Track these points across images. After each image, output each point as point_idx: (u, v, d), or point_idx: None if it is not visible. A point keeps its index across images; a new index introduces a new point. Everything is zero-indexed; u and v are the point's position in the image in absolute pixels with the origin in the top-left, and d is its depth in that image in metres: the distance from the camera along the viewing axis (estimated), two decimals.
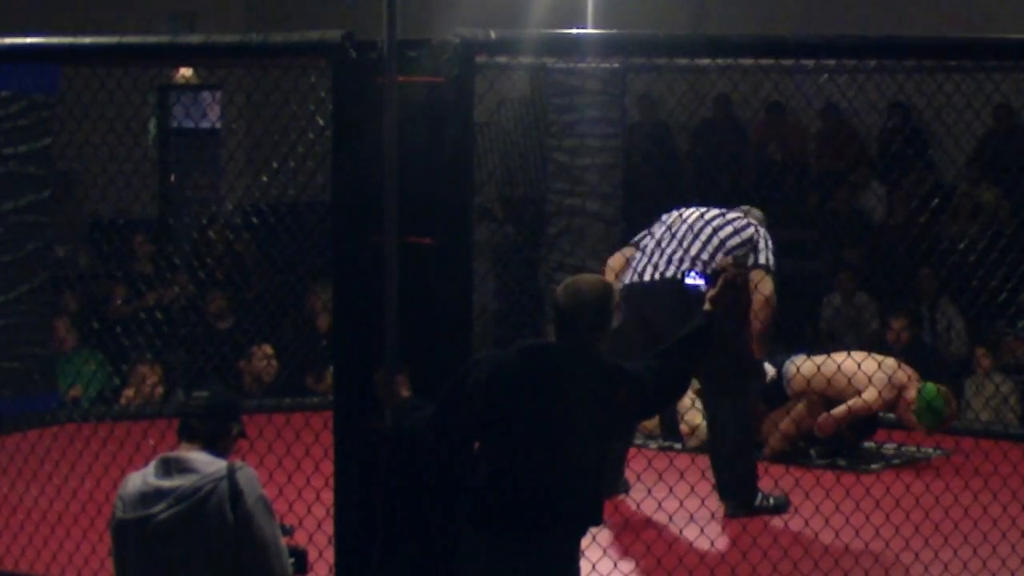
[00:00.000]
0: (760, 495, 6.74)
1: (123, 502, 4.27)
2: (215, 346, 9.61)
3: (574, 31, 6.70)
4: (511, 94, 10.83)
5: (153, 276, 10.82)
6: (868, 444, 8.00)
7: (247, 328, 9.87)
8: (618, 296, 6.53)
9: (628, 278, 6.80)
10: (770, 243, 6.80)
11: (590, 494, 4.39)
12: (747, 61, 6.60)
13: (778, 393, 7.84)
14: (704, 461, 6.77)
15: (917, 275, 10.33)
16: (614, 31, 5.52)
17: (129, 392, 9.40)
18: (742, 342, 6.69)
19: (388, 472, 4.66)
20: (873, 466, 7.66)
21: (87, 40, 5.22)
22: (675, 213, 6.90)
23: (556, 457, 4.29)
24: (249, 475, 4.24)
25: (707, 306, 4.65)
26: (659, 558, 5.85)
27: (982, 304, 9.31)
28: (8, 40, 5.30)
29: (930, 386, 7.72)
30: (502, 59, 6.31)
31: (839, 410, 7.69)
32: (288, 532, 4.46)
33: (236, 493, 4.18)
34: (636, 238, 7.04)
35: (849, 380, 7.46)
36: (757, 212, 7.08)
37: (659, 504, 6.25)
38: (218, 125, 13.62)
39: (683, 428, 7.99)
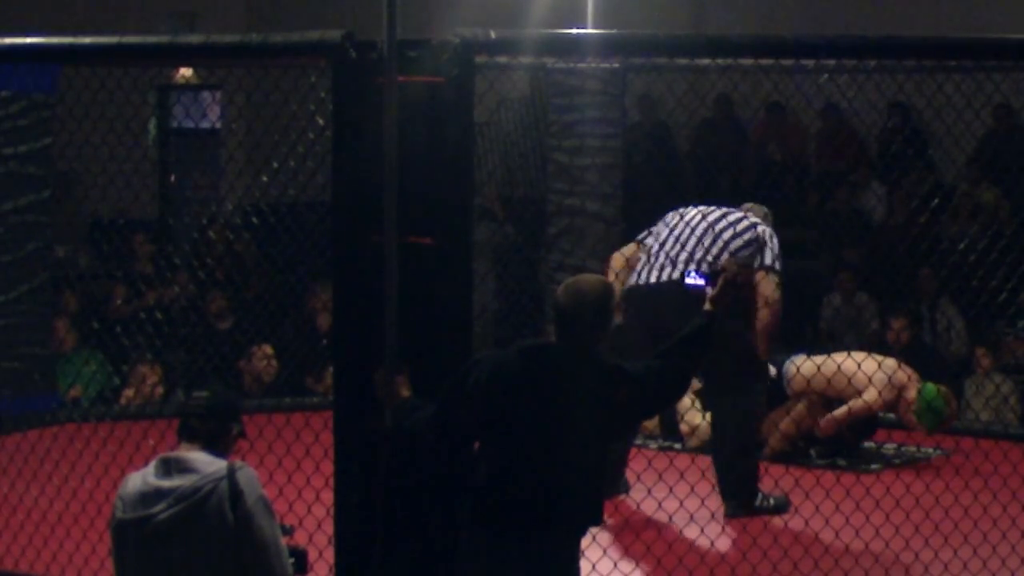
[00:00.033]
0: (760, 495, 6.74)
1: (123, 502, 4.27)
2: (215, 346, 9.60)
3: (574, 31, 6.71)
4: (511, 94, 10.83)
5: (153, 276, 10.82)
6: (868, 444, 8.00)
7: (247, 328, 9.87)
8: (619, 297, 6.59)
9: (633, 280, 6.77)
10: (775, 242, 6.77)
11: (590, 494, 4.39)
12: (747, 61, 6.60)
13: (778, 393, 7.83)
14: (704, 461, 6.77)
15: (917, 275, 10.32)
16: (614, 31, 5.52)
17: (129, 392, 9.40)
18: (746, 343, 6.68)
19: (388, 472, 4.65)
20: (873, 466, 7.66)
21: (87, 40, 5.22)
22: (679, 213, 6.87)
23: (556, 457, 4.29)
24: (249, 475, 4.24)
25: (707, 306, 4.66)
26: (659, 558, 5.85)
27: (982, 304, 9.30)
28: (8, 40, 5.30)
29: (930, 386, 7.73)
30: (502, 59, 6.31)
31: (840, 411, 7.69)
32: (288, 532, 4.46)
33: (236, 493, 4.18)
34: (640, 236, 7.01)
35: (849, 380, 7.46)
36: (763, 209, 7.05)
37: (659, 504, 6.25)
38: (218, 125, 13.63)
39: (683, 428, 7.99)
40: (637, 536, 6.11)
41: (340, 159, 4.83)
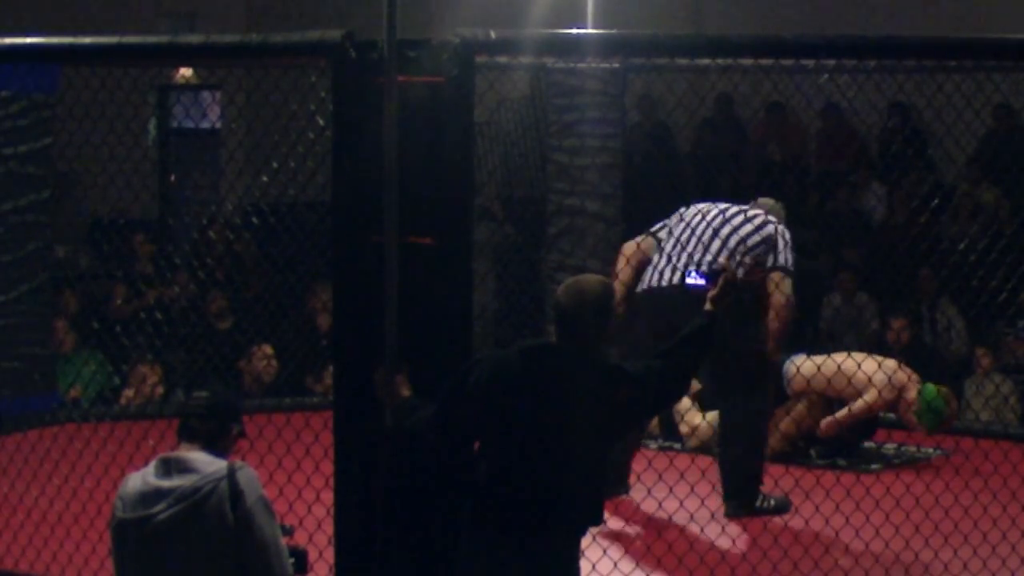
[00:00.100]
0: (761, 496, 6.73)
1: (123, 502, 4.27)
2: (215, 346, 9.61)
3: (574, 31, 6.70)
4: (511, 94, 10.83)
5: (153, 276, 10.83)
6: (868, 444, 8.00)
7: (247, 328, 9.87)
8: (623, 289, 6.57)
9: (646, 282, 6.73)
10: (789, 240, 6.73)
11: (590, 494, 4.39)
12: (747, 61, 6.59)
13: (778, 393, 7.83)
14: (704, 461, 6.77)
15: (917, 275, 10.32)
16: (614, 31, 5.51)
17: (129, 392, 9.40)
18: (758, 343, 6.65)
19: (388, 472, 4.65)
20: (873, 466, 7.66)
21: (87, 40, 5.22)
22: (693, 210, 6.81)
23: (556, 457, 4.29)
24: (249, 475, 4.24)
25: (708, 306, 4.65)
26: (659, 558, 5.85)
27: (982, 304, 9.30)
28: (8, 40, 5.30)
29: (930, 387, 7.73)
30: (502, 59, 6.31)
31: (841, 413, 7.70)
32: (288, 532, 4.46)
33: (236, 493, 4.18)
34: (654, 228, 6.94)
35: (849, 380, 7.46)
36: (777, 205, 7.01)
37: (659, 504, 6.25)
38: (218, 125, 13.63)
39: (683, 428, 7.99)
40: (637, 536, 6.12)
41: (340, 159, 4.83)
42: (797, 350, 8.07)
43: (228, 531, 4.17)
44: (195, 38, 5.94)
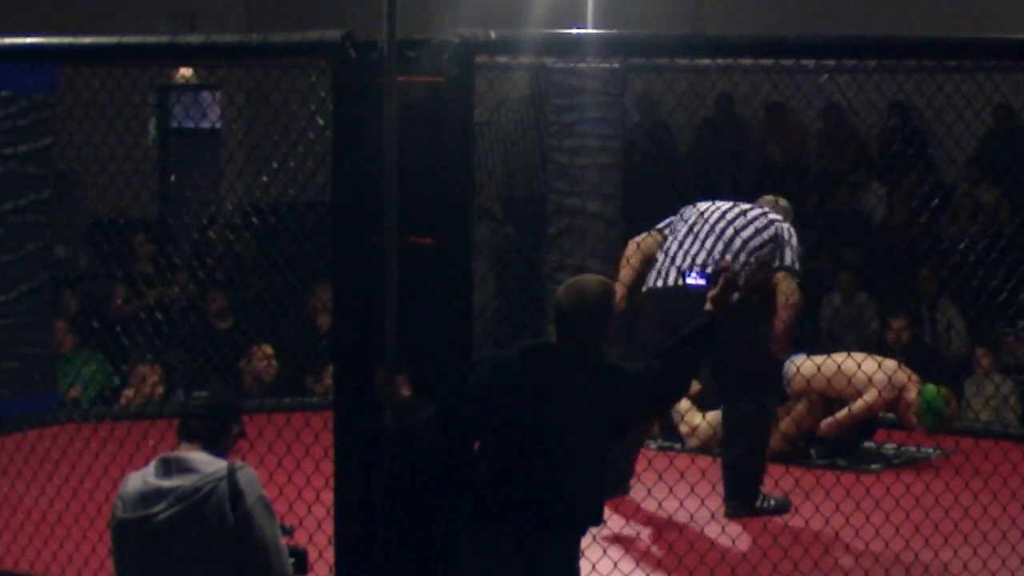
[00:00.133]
0: (761, 496, 6.73)
1: (123, 502, 4.27)
2: (215, 346, 9.61)
3: (574, 31, 6.70)
4: (511, 94, 10.83)
5: (153, 276, 10.82)
6: (868, 444, 8.00)
7: (247, 328, 9.87)
8: (626, 287, 6.56)
9: (650, 282, 6.71)
10: (795, 240, 6.70)
11: (590, 494, 4.39)
12: (747, 61, 6.59)
13: (778, 393, 7.84)
14: (704, 461, 6.77)
15: (917, 275, 10.32)
16: (614, 31, 5.51)
17: (129, 392, 9.40)
18: (763, 344, 6.64)
19: (388, 472, 4.65)
20: (873, 466, 7.66)
21: (87, 40, 5.22)
22: (700, 208, 6.76)
23: (556, 457, 4.29)
24: (249, 475, 4.24)
25: (708, 306, 4.65)
26: (659, 558, 5.85)
27: (982, 304, 9.30)
28: (8, 40, 5.30)
29: (930, 387, 7.73)
30: (502, 59, 6.31)
31: (841, 414, 7.70)
32: (288, 532, 4.46)
33: (236, 493, 4.18)
34: (662, 224, 6.90)
35: (849, 380, 7.45)
36: (783, 203, 6.98)
37: (659, 504, 6.25)
38: (218, 125, 13.63)
39: (683, 428, 7.99)
40: (637, 536, 6.12)
41: (340, 159, 4.83)
42: (797, 350, 8.07)
43: (228, 531, 4.17)
44: (195, 38, 5.93)
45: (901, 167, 11.30)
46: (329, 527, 4.98)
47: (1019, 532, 6.12)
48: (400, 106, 4.65)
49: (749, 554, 5.92)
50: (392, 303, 4.67)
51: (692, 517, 6.20)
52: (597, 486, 4.42)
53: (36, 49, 5.43)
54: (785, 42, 5.22)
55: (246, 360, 9.71)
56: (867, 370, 7.51)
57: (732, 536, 6.36)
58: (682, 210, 6.87)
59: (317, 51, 4.92)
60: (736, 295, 6.32)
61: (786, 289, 6.62)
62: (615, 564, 5.63)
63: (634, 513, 6.57)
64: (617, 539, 6.16)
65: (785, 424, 7.74)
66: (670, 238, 6.77)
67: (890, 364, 7.70)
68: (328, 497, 5.01)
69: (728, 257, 6.46)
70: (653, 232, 6.92)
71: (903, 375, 7.74)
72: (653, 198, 8.84)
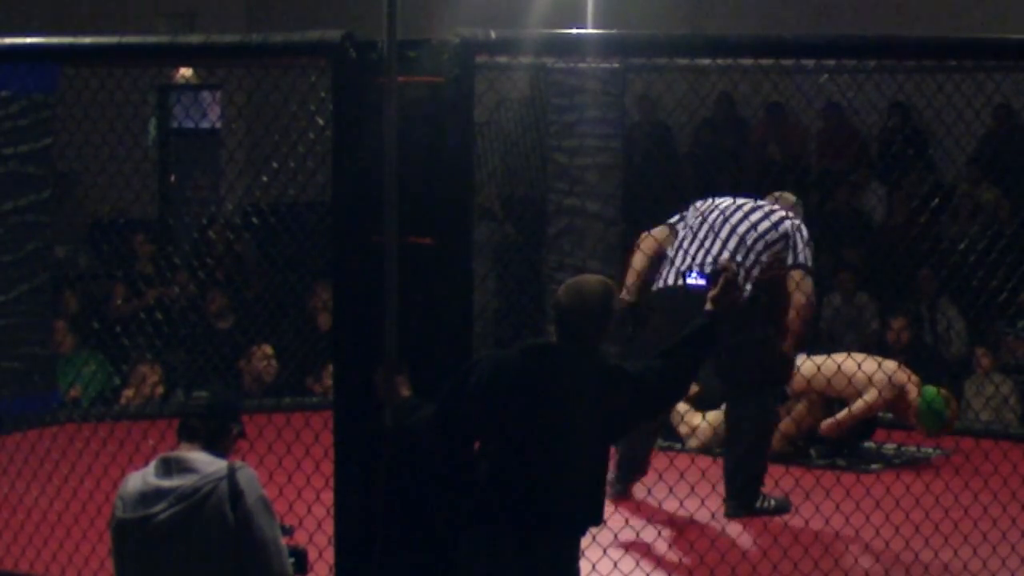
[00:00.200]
0: (761, 497, 6.73)
1: (123, 502, 4.27)
2: (215, 346, 9.60)
3: (574, 31, 6.70)
4: (511, 94, 10.83)
5: (153, 276, 10.82)
6: (868, 444, 8.00)
7: (247, 328, 9.87)
8: (636, 281, 6.54)
9: (662, 281, 6.69)
10: (806, 235, 6.64)
11: (590, 494, 4.39)
12: (747, 61, 6.59)
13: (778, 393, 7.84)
14: (704, 461, 6.77)
15: (917, 275, 10.32)
16: (614, 31, 5.51)
17: (129, 392, 9.40)
18: (770, 345, 6.61)
19: (388, 472, 4.65)
20: (873, 466, 7.66)
21: (87, 40, 5.22)
22: (717, 203, 6.71)
23: (556, 457, 4.29)
24: (249, 475, 4.24)
25: (709, 306, 4.64)
26: (659, 558, 5.85)
27: (982, 304, 9.30)
28: (8, 40, 5.30)
29: (930, 389, 7.74)
30: (502, 59, 6.31)
31: (841, 414, 7.70)
32: (288, 532, 4.46)
33: (236, 493, 4.18)
34: (672, 220, 6.86)
35: (849, 380, 7.45)
36: (791, 198, 6.95)
37: (659, 504, 6.24)
38: (218, 125, 13.64)
39: (683, 429, 7.99)
40: (637, 536, 6.11)
41: (340, 159, 4.83)
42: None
43: (228, 531, 4.18)
44: (195, 38, 5.93)
45: (901, 167, 11.30)
46: (329, 527, 4.98)
47: (1019, 532, 6.12)
48: (400, 106, 4.65)
49: (749, 554, 5.92)
50: (392, 303, 4.67)
51: (692, 517, 6.20)
52: (597, 486, 4.42)
53: (36, 49, 5.43)
54: (785, 42, 5.21)
55: (246, 360, 9.71)
56: (867, 370, 7.51)
57: (732, 536, 6.36)
58: (695, 204, 6.81)
59: (317, 51, 4.92)
60: (748, 291, 6.35)
61: (803, 287, 6.58)
62: (615, 564, 5.62)
63: (634, 513, 6.57)
64: (617, 539, 6.16)
65: (785, 424, 7.74)
66: (683, 232, 6.73)
67: (890, 364, 7.70)
68: (328, 497, 5.01)
69: (726, 256, 6.45)
70: (665, 226, 6.87)
71: (903, 375, 7.74)
72: (653, 198, 8.84)
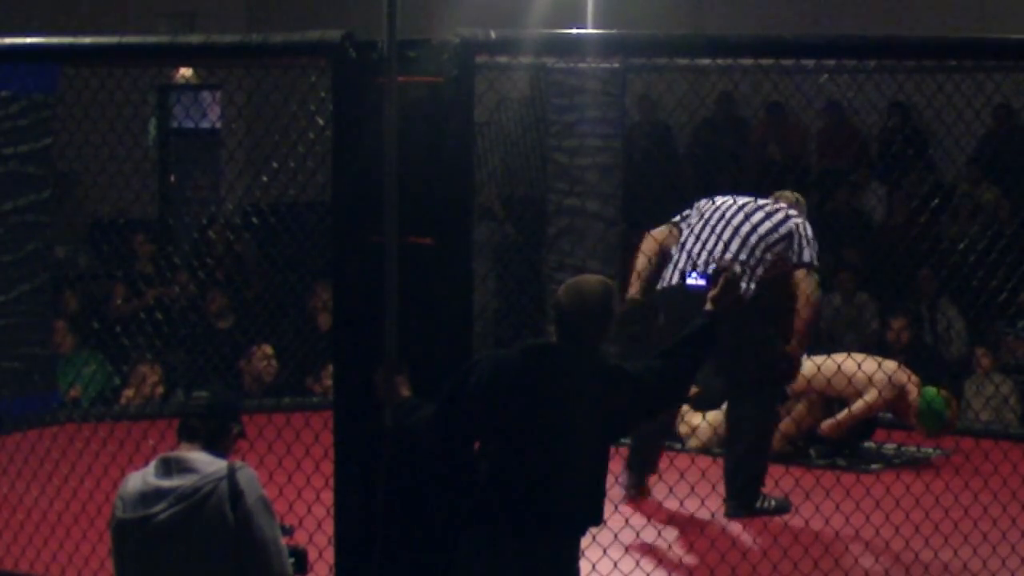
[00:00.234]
0: (761, 497, 6.73)
1: (123, 502, 4.27)
2: (215, 346, 9.61)
3: (574, 31, 6.70)
4: (511, 94, 10.83)
5: (153, 276, 10.83)
6: (868, 444, 8.00)
7: (247, 328, 9.87)
8: (642, 279, 6.54)
9: (666, 280, 6.69)
10: (810, 234, 6.63)
11: (590, 494, 4.39)
12: (747, 61, 6.59)
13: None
14: (704, 461, 6.76)
15: (917, 275, 10.32)
16: (614, 31, 5.51)
17: (129, 392, 9.40)
18: (772, 344, 6.60)
19: (388, 472, 4.66)
20: (873, 466, 7.66)
21: (87, 40, 5.22)
22: (718, 203, 6.70)
23: (556, 457, 4.29)
24: (249, 475, 4.24)
25: (708, 306, 4.64)
26: (659, 558, 5.85)
27: (982, 304, 9.30)
28: (8, 40, 5.30)
29: (931, 389, 7.74)
30: (502, 59, 6.31)
31: (841, 415, 7.70)
32: (288, 532, 4.46)
33: (236, 493, 4.18)
34: (677, 218, 6.86)
35: (849, 380, 7.45)
36: (794, 196, 6.94)
37: (659, 504, 6.24)
38: (218, 125, 13.64)
39: (683, 428, 7.99)
40: (637, 536, 6.11)
41: (340, 159, 4.83)
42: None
43: (228, 531, 4.18)
44: (195, 38, 5.93)
45: (901, 167, 11.31)
46: (329, 527, 4.98)
47: (1019, 532, 6.12)
48: (400, 106, 4.65)
49: (749, 554, 5.92)
50: (392, 303, 4.67)
51: (692, 517, 6.20)
52: (597, 486, 4.42)
53: (36, 49, 5.43)
54: (785, 42, 5.21)
55: (246, 360, 9.71)
56: (867, 370, 7.51)
57: (732, 536, 6.36)
58: (697, 204, 6.81)
59: (317, 51, 4.92)
60: (752, 290, 6.35)
61: (808, 287, 6.58)
62: (615, 564, 5.63)
63: (634, 513, 6.57)
64: (617, 539, 6.16)
65: (785, 424, 7.74)
66: (685, 231, 6.73)
67: (890, 364, 7.70)
68: (328, 497, 5.01)
69: (727, 256, 6.45)
70: (668, 226, 6.86)
71: (903, 375, 7.74)
72: (653, 198, 8.84)
